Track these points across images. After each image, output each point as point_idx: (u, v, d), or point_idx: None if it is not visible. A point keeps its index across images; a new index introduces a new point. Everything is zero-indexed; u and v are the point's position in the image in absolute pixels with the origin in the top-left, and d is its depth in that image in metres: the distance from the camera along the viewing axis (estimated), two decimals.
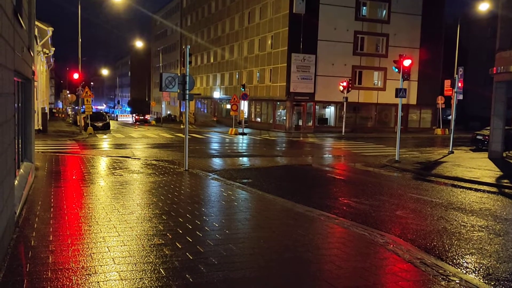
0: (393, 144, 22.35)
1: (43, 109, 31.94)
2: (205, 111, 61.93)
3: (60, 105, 77.76)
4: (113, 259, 5.71)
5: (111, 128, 39.33)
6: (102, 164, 15.06)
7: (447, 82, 25.84)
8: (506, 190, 12.80)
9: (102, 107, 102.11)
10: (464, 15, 41.33)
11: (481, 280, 5.81)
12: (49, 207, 8.42)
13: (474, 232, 8.07)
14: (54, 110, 68.87)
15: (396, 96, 18.03)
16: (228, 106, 42.04)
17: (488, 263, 6.48)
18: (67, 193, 9.89)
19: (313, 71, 38.04)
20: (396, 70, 18.25)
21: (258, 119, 45.36)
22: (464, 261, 6.57)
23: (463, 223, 8.69)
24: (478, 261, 6.59)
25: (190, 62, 14.09)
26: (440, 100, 35.76)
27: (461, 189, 12.76)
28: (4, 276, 5.05)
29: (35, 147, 12.98)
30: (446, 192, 12.21)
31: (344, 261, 5.99)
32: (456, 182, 13.92)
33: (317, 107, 39.92)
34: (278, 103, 40.88)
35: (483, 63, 44.20)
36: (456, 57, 35.72)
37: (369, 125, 41.20)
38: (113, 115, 78.65)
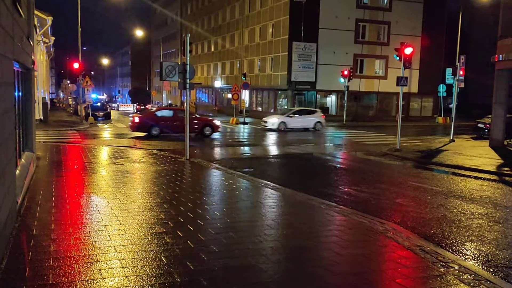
0: (394, 133, 22.32)
1: (43, 98, 31.90)
2: (206, 100, 61.81)
3: (61, 95, 77.74)
4: (115, 247, 5.75)
5: (112, 117, 39.33)
6: (103, 153, 15.09)
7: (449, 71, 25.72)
8: (507, 178, 12.81)
9: (102, 97, 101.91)
10: (466, 3, 40.91)
11: (480, 267, 5.85)
12: (50, 196, 8.47)
13: (474, 220, 8.11)
14: (54, 100, 68.75)
15: (398, 84, 17.97)
16: (229, 95, 41.89)
17: (487, 250, 6.51)
18: (69, 183, 9.94)
19: (314, 60, 37.85)
20: (398, 58, 18.17)
21: (259, 108, 45.25)
22: (463, 248, 6.60)
23: (463, 211, 8.72)
24: (477, 248, 6.63)
25: (190, 51, 14.04)
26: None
27: (461, 177, 12.78)
28: (6, 264, 5.10)
29: (36, 137, 13.00)
30: (446, 180, 12.23)
31: (343, 248, 6.03)
32: (456, 170, 13.94)
33: (318, 96, 39.81)
34: (279, 92, 40.76)
35: (485, 51, 43.84)
36: (458, 45, 35.45)
37: (370, 114, 41.13)
38: (114, 104, 78.49)
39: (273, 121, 28.59)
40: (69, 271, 4.97)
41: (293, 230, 6.85)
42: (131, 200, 8.36)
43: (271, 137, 24.33)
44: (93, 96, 68.97)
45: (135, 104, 68.36)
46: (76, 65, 33.47)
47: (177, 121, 22.26)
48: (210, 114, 49.19)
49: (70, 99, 64.12)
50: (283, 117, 28.75)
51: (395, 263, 5.61)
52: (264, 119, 29.84)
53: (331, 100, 40.72)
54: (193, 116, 23.62)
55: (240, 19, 48.06)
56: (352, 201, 9.35)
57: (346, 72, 35.84)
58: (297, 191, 9.71)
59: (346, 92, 36.28)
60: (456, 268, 5.51)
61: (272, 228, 6.93)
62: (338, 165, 15.13)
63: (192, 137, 19.84)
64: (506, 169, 13.99)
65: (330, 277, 5.06)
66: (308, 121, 29.07)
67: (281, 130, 27.67)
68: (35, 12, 18.59)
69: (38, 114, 27.54)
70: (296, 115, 28.94)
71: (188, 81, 13.66)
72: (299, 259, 5.64)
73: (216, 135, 24.08)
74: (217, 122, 24.00)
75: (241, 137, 25.20)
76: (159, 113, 23.39)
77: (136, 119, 22.75)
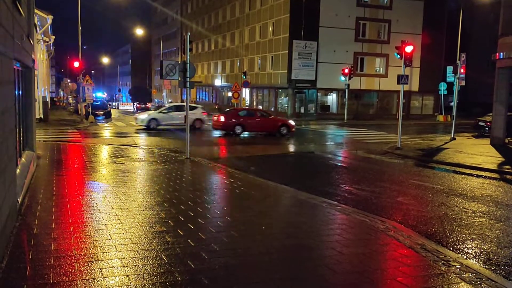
0: (395, 131, 22.31)
1: (44, 97, 31.89)
2: (207, 99, 61.79)
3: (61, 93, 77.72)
4: (115, 246, 5.74)
5: (112, 116, 39.33)
6: (104, 152, 15.08)
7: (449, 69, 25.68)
8: (508, 176, 12.79)
9: (103, 96, 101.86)
10: (466, 1, 40.86)
11: (482, 265, 5.84)
12: (51, 195, 8.46)
13: (475, 218, 8.09)
14: (55, 99, 68.74)
15: (398, 82, 17.95)
16: (230, 94, 41.86)
17: (489, 249, 6.50)
18: (69, 182, 9.93)
19: (314, 58, 37.82)
20: (398, 56, 18.14)
21: (260, 107, 45.19)
22: (464, 247, 6.59)
23: (464, 209, 8.71)
24: (478, 246, 6.61)
25: (190, 50, 14.01)
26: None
27: (462, 175, 12.76)
28: (7, 263, 5.09)
29: (37, 136, 12.99)
30: (447, 179, 12.21)
31: (345, 247, 6.01)
32: (457, 169, 13.92)
33: (319, 94, 39.78)
34: (280, 90, 40.74)
35: (486, 49, 43.79)
36: (459, 43, 35.41)
37: (371, 112, 41.10)
38: (114, 103, 78.44)
39: (142, 117, 26.10)
40: (70, 270, 4.96)
41: (294, 229, 6.83)
42: (131, 199, 8.35)
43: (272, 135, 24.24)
44: (99, 95, 68.97)
45: (135, 103, 68.33)
46: (76, 64, 33.43)
47: (257, 120, 23.84)
48: (211, 113, 49.20)
49: (70, 98, 64.13)
50: (154, 113, 26.53)
51: (397, 261, 5.60)
52: (136, 115, 27.53)
53: (331, 98, 40.70)
54: (271, 117, 25.16)
55: (241, 18, 48.01)
56: (353, 200, 9.33)
57: (346, 70, 35.83)
58: (298, 190, 9.70)
59: (346, 90, 36.27)
60: (457, 266, 5.49)
61: (273, 226, 6.92)
62: (339, 164, 15.11)
63: (265, 135, 23.23)
64: (507, 167, 13.97)
65: (332, 276, 5.05)
66: (185, 118, 26.88)
67: (152, 129, 25.29)
68: (35, 11, 18.55)
69: (39, 113, 27.53)
70: (171, 111, 26.20)
71: (188, 79, 13.64)
72: (300, 258, 5.62)
73: (217, 134, 24.07)
74: (292, 122, 24.64)
75: (242, 135, 25.13)
76: (241, 113, 24.38)
77: (222, 119, 23.48)
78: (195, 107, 27.23)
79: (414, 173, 13.01)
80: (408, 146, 19.03)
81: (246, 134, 23.65)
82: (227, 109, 28.04)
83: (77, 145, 17.13)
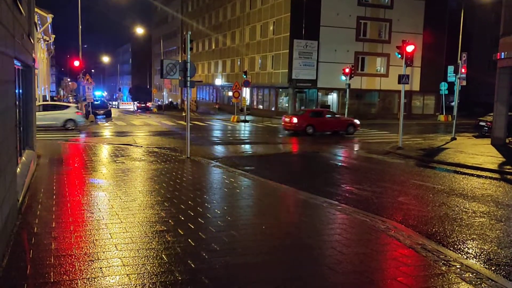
0: (396, 131, 22.29)
1: (44, 96, 31.92)
2: (207, 98, 61.77)
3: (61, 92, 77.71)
4: (116, 246, 5.74)
5: (112, 115, 39.33)
6: (104, 151, 15.08)
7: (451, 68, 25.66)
8: (508, 176, 12.78)
9: (103, 94, 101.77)
10: (467, 0, 40.78)
11: (482, 265, 5.83)
12: (51, 194, 8.45)
13: (476, 218, 8.08)
14: (55, 98, 68.73)
15: (399, 82, 17.92)
16: (230, 93, 41.85)
17: (489, 249, 6.49)
18: (69, 181, 9.92)
19: (315, 58, 37.79)
20: (399, 56, 18.10)
21: (260, 106, 45.22)
22: (465, 247, 6.58)
23: (464, 209, 8.70)
24: (479, 246, 6.61)
25: (191, 49, 14.00)
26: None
27: (463, 175, 12.74)
28: (8, 262, 5.10)
29: (37, 135, 12.99)
30: (448, 179, 12.20)
31: (345, 246, 6.01)
32: (458, 169, 13.91)
33: (319, 94, 39.75)
34: (280, 90, 40.71)
35: (487, 48, 43.80)
36: (460, 42, 35.36)
37: (372, 112, 41.05)
38: (114, 102, 78.40)
39: None
40: (70, 269, 4.95)
41: (294, 228, 6.83)
42: (131, 198, 8.34)
43: (273, 134, 24.24)
44: (98, 93, 68.75)
45: (135, 102, 68.33)
46: (76, 63, 33.41)
47: (326, 120, 24.85)
48: (211, 112, 49.18)
49: (70, 97, 64.13)
50: None
51: (397, 261, 5.59)
52: None
53: (332, 98, 40.66)
54: (338, 117, 26.47)
55: (241, 17, 47.98)
56: (354, 200, 9.32)
57: (347, 70, 35.74)
58: (299, 190, 9.69)
59: (347, 90, 36.19)
60: (457, 266, 5.49)
61: (274, 226, 6.91)
62: (340, 163, 15.10)
63: (330, 134, 24.55)
64: (508, 167, 13.95)
65: (332, 276, 5.04)
66: (54, 118, 23.52)
67: None
68: (36, 9, 18.57)
69: None
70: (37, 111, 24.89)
71: (189, 79, 13.63)
72: (301, 257, 5.62)
73: (217, 133, 24.07)
74: (357, 121, 25.49)
75: (242, 135, 25.17)
76: (311, 114, 25.08)
77: (294, 120, 24.15)
78: (67, 106, 25.67)
79: (415, 173, 12.99)
80: (410, 146, 19.01)
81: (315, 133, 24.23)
82: (298, 111, 29.10)
83: (78, 144, 17.14)
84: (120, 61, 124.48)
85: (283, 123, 25.33)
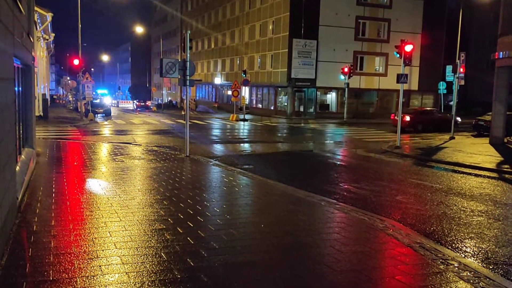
0: (394, 130, 22.31)
1: (43, 95, 31.89)
2: (206, 97, 61.75)
3: (61, 91, 77.61)
4: (115, 244, 5.76)
5: (112, 114, 39.32)
6: (103, 150, 15.08)
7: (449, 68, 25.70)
8: (507, 176, 12.81)
9: (105, 93, 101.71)
10: (466, 0, 40.81)
11: (480, 264, 5.86)
12: (50, 192, 8.47)
13: (474, 217, 8.11)
14: (54, 96, 68.65)
15: (398, 81, 17.95)
16: (229, 92, 41.87)
17: (487, 247, 6.52)
18: (69, 179, 9.93)
19: (314, 57, 37.81)
20: (398, 55, 18.13)
21: (259, 105, 45.23)
22: (463, 246, 6.61)
23: (462, 208, 8.73)
24: (477, 245, 6.64)
25: (190, 48, 14.01)
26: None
27: (461, 175, 12.78)
28: (7, 260, 5.11)
29: (36, 133, 12.99)
30: (446, 178, 12.23)
31: (344, 245, 6.03)
32: (456, 168, 13.94)
33: (318, 93, 39.77)
34: (279, 89, 40.72)
35: (485, 48, 43.84)
36: (458, 42, 35.37)
37: (370, 111, 41.09)
38: (114, 101, 78.30)
39: None
40: (69, 267, 4.97)
41: (293, 227, 6.85)
42: (131, 196, 8.36)
43: (272, 133, 24.25)
44: (103, 91, 68.29)
45: (135, 101, 68.26)
46: (76, 62, 33.35)
47: (433, 118, 27.52)
48: (211, 111, 49.17)
49: (70, 96, 64.05)
50: None
51: (395, 260, 5.61)
52: None
53: (331, 97, 40.69)
54: (441, 115, 28.49)
55: (241, 16, 47.97)
56: (352, 198, 9.35)
57: (346, 69, 35.78)
58: (297, 188, 9.71)
59: (346, 89, 36.23)
60: (455, 265, 5.51)
61: (272, 225, 6.93)
62: (338, 162, 15.13)
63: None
64: (506, 166, 14.00)
65: (330, 274, 5.06)
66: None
67: None
68: (35, 8, 18.55)
69: (38, 111, 27.51)
70: None
71: (188, 77, 13.64)
72: (299, 256, 5.64)
73: (217, 132, 24.07)
74: (458, 119, 27.10)
75: (241, 133, 25.18)
76: (421, 113, 27.79)
77: (407, 118, 26.02)
78: None
79: (413, 172, 13.02)
80: (408, 144, 19.04)
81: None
82: (409, 110, 30.38)
83: (77, 143, 17.14)
84: (120, 60, 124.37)
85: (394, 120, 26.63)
